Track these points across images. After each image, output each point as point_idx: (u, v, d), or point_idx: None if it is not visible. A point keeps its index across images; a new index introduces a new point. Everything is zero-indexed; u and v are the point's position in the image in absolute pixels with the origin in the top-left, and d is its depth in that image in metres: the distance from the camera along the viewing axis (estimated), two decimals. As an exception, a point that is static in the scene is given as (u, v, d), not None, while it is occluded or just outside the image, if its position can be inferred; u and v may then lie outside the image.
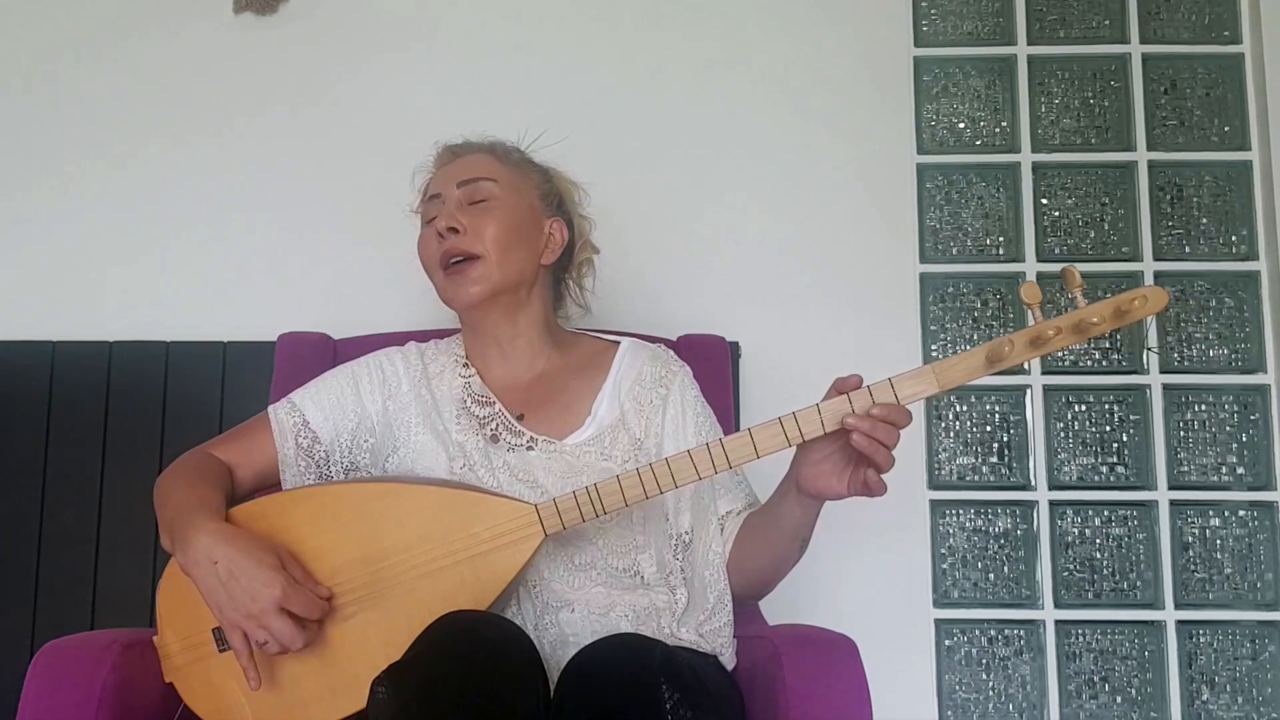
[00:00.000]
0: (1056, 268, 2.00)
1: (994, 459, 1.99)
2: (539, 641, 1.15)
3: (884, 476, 1.08)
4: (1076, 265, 1.07)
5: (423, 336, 1.46)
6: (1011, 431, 1.99)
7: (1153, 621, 1.93)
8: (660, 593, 1.26)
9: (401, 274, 1.89)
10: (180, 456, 1.28)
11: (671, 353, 1.41)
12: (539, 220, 1.37)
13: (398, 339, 1.46)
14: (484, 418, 1.31)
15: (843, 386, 1.08)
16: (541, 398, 1.33)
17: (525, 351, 1.36)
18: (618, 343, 1.41)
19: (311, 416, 1.31)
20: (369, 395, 1.33)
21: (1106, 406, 2.00)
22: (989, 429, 2.00)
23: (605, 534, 1.25)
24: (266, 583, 1.07)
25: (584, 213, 1.46)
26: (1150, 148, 2.05)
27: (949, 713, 1.92)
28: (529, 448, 1.28)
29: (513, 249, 1.32)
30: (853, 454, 1.08)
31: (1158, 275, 2.01)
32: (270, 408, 1.33)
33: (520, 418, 1.31)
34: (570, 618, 1.22)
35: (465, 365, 1.37)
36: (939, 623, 1.94)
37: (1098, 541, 1.96)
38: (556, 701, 1.01)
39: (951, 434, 1.99)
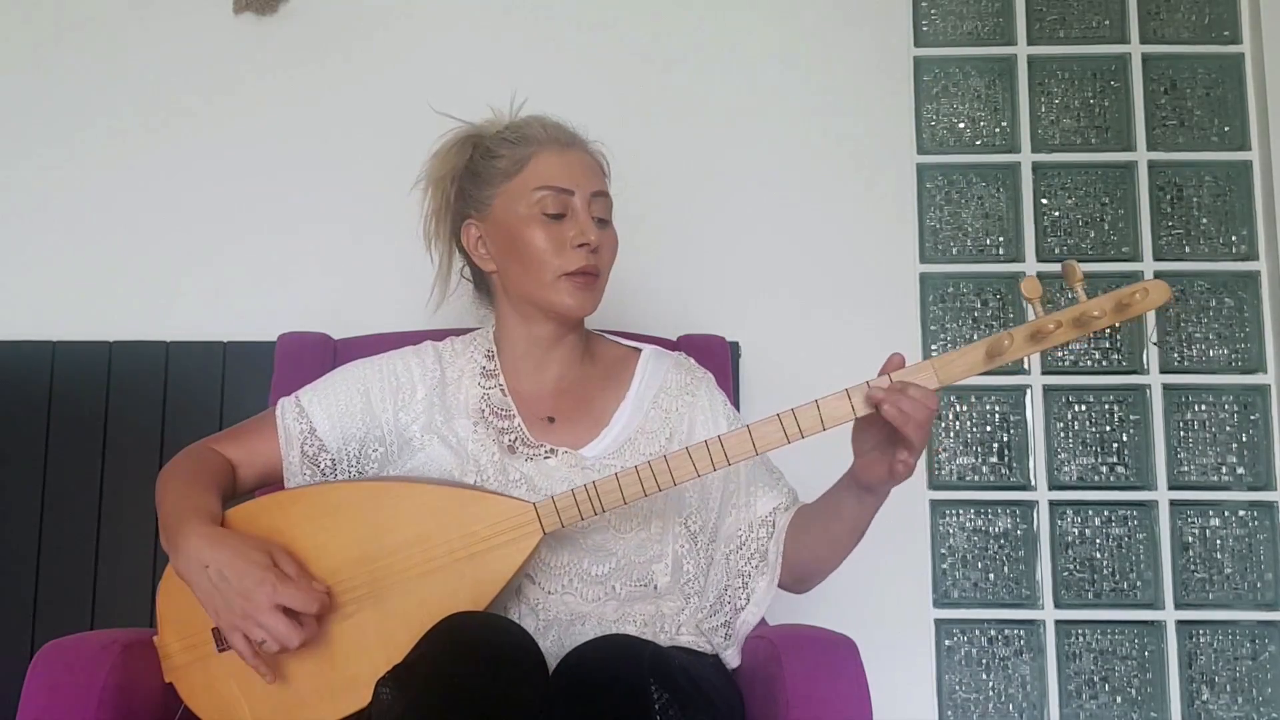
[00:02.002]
0: (1057, 268, 2.00)
1: (994, 459, 1.99)
2: (545, 653, 1.15)
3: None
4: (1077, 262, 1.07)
5: (419, 337, 1.42)
6: (1011, 431, 1.99)
7: (1153, 621, 1.93)
8: (671, 600, 1.26)
9: (402, 273, 1.90)
10: (184, 450, 1.27)
11: (693, 360, 1.41)
12: None
13: (397, 339, 1.44)
14: (503, 429, 1.29)
15: (890, 366, 1.08)
16: (570, 405, 1.32)
17: (564, 357, 1.34)
18: (639, 350, 1.40)
19: (319, 424, 1.29)
20: (380, 404, 1.31)
21: (1106, 406, 2.00)
22: (989, 429, 2.00)
23: (625, 543, 1.24)
24: (257, 581, 1.06)
25: None
26: (1150, 148, 2.05)
27: (949, 713, 1.92)
28: (547, 456, 1.27)
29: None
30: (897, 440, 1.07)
31: (1158, 275, 2.00)
32: (278, 406, 1.31)
33: (551, 420, 1.30)
34: (583, 630, 1.21)
35: (487, 374, 1.34)
36: (939, 623, 1.94)
37: (1098, 541, 1.96)
38: (548, 702, 1.01)
39: (951, 434, 1.99)
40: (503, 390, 1.32)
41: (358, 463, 1.30)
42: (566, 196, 1.28)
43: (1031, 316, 1.05)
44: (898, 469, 1.07)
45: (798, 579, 1.27)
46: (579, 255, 1.26)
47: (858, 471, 1.13)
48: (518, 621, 1.19)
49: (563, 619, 1.21)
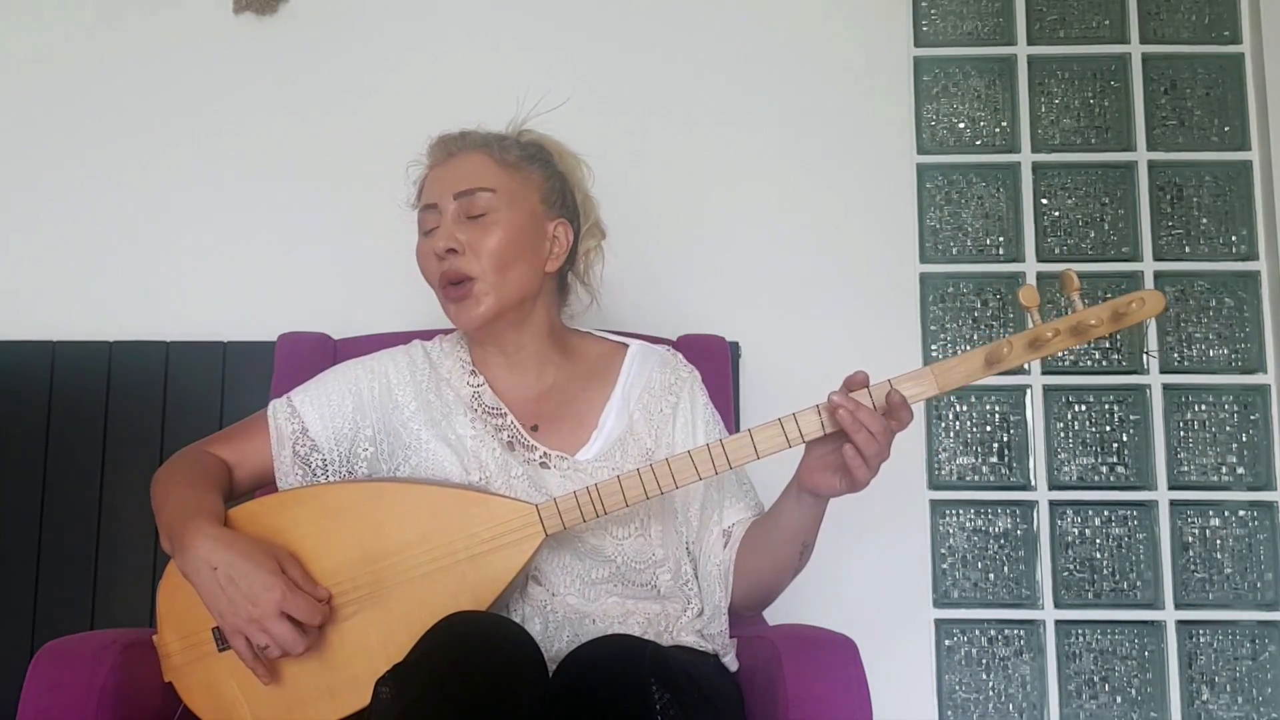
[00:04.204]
0: (1056, 268, 2.00)
1: (994, 459, 1.99)
2: (550, 650, 1.15)
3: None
4: (1075, 267, 1.09)
5: (426, 335, 1.43)
6: (1011, 431, 1.99)
7: (1153, 621, 1.93)
8: (674, 602, 1.26)
9: (402, 273, 1.89)
10: (177, 454, 1.27)
11: (680, 356, 1.38)
12: (541, 226, 1.30)
13: (398, 339, 1.44)
14: (498, 426, 1.28)
15: (851, 383, 1.09)
16: (553, 410, 1.30)
17: (533, 361, 1.32)
18: (625, 345, 1.38)
19: (311, 424, 1.29)
20: (370, 404, 1.31)
21: (1106, 406, 2.00)
22: (989, 429, 2.00)
23: (623, 550, 1.24)
24: (266, 587, 1.07)
25: (589, 191, 1.39)
26: (1150, 148, 2.04)
27: (949, 713, 1.92)
28: (543, 464, 1.26)
29: (512, 266, 1.25)
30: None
31: (1158, 275, 2.01)
32: (270, 408, 1.31)
33: (534, 429, 1.29)
34: (593, 628, 1.21)
35: (473, 374, 1.33)
36: (939, 623, 1.94)
37: (1098, 541, 1.96)
38: (549, 702, 1.01)
39: (951, 434, 1.99)
40: (490, 387, 1.32)
41: (348, 462, 1.30)
42: (432, 211, 1.29)
43: (1030, 323, 1.06)
44: (850, 466, 1.07)
45: (746, 592, 1.25)
46: (439, 265, 1.26)
47: (802, 476, 1.15)
48: (524, 623, 1.19)
49: (571, 619, 1.21)
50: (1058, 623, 1.93)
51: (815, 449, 1.13)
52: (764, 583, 1.25)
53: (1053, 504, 1.97)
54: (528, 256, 1.28)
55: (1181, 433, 1.99)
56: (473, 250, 1.25)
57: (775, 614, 1.41)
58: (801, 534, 1.20)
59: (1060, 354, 1.99)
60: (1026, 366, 1.99)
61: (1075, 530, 1.96)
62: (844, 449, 1.08)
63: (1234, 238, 2.03)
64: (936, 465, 1.98)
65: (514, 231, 1.26)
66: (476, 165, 1.29)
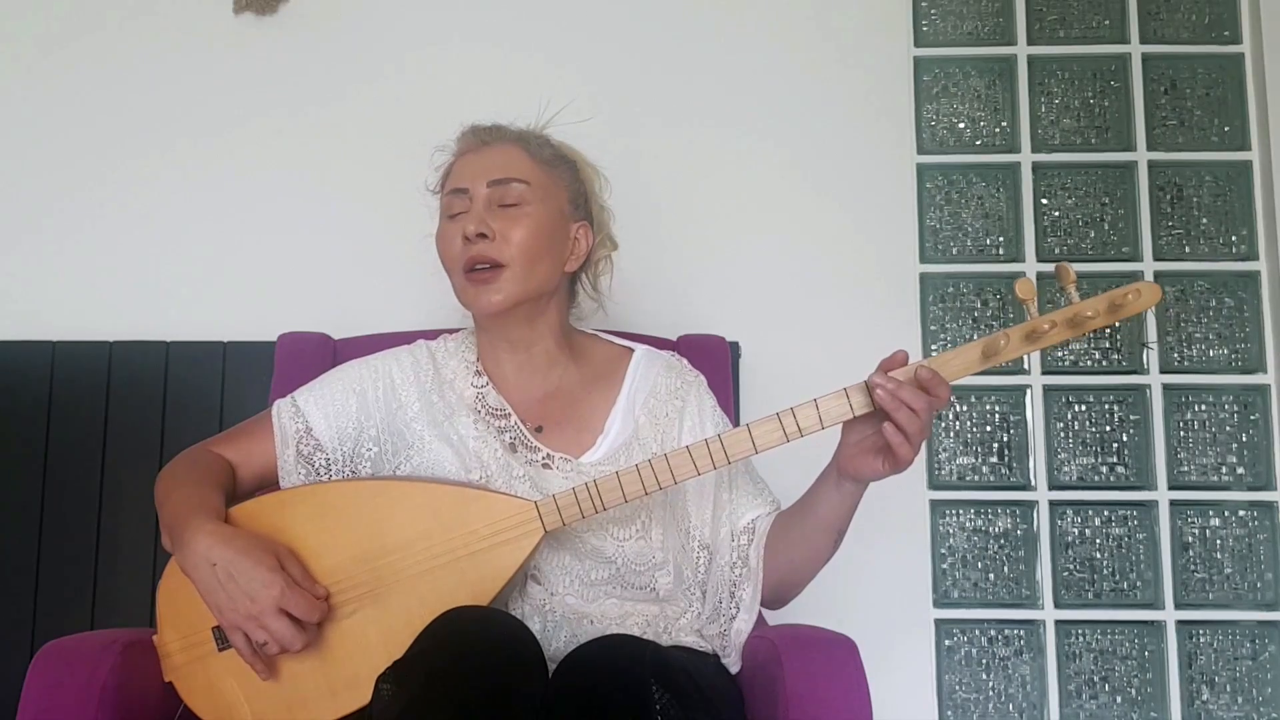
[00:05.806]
0: (1054, 269, 2.00)
1: (994, 459, 1.99)
2: (548, 650, 1.15)
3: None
4: (1073, 264, 1.09)
5: (417, 337, 1.42)
6: (1011, 431, 1.99)
7: (1153, 621, 1.93)
8: (673, 604, 1.26)
9: (402, 274, 1.90)
10: (181, 453, 1.27)
11: (685, 362, 1.39)
12: (566, 226, 1.31)
13: (398, 339, 1.43)
14: (501, 427, 1.28)
15: (889, 364, 1.09)
16: (558, 412, 1.30)
17: (542, 359, 1.32)
18: (631, 349, 1.38)
19: (315, 424, 1.29)
20: (374, 404, 1.30)
21: (1106, 406, 2.00)
22: (989, 429, 2.00)
23: (624, 552, 1.23)
24: (265, 583, 1.07)
25: (604, 202, 1.40)
26: (1150, 148, 2.05)
27: (949, 713, 1.92)
28: (546, 465, 1.26)
29: (539, 259, 1.26)
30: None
31: (1158, 275, 2.01)
32: (274, 407, 1.31)
33: (539, 430, 1.29)
34: (591, 629, 1.21)
35: (478, 374, 1.33)
36: (939, 623, 1.94)
37: (1098, 541, 1.96)
38: (549, 702, 1.01)
39: (951, 434, 1.99)
40: (495, 388, 1.31)
41: (351, 462, 1.30)
42: (462, 195, 1.28)
43: (1027, 317, 1.06)
44: (894, 445, 1.06)
45: (774, 587, 1.25)
46: (465, 249, 1.26)
47: (843, 462, 1.14)
48: (523, 621, 1.19)
49: (570, 619, 1.21)
50: (1058, 623, 1.93)
51: (852, 434, 1.12)
52: (795, 574, 1.25)
53: (1053, 504, 1.97)
54: (553, 252, 1.29)
55: (1181, 433, 1.99)
56: (503, 238, 1.25)
57: (775, 614, 1.41)
58: (838, 521, 1.19)
59: (1061, 353, 2.00)
60: (1026, 366, 1.99)
61: (1075, 530, 1.96)
62: (884, 428, 1.06)
63: (1234, 238, 2.03)
64: (936, 465, 1.98)
65: (543, 225, 1.27)
66: (511, 156, 1.30)
